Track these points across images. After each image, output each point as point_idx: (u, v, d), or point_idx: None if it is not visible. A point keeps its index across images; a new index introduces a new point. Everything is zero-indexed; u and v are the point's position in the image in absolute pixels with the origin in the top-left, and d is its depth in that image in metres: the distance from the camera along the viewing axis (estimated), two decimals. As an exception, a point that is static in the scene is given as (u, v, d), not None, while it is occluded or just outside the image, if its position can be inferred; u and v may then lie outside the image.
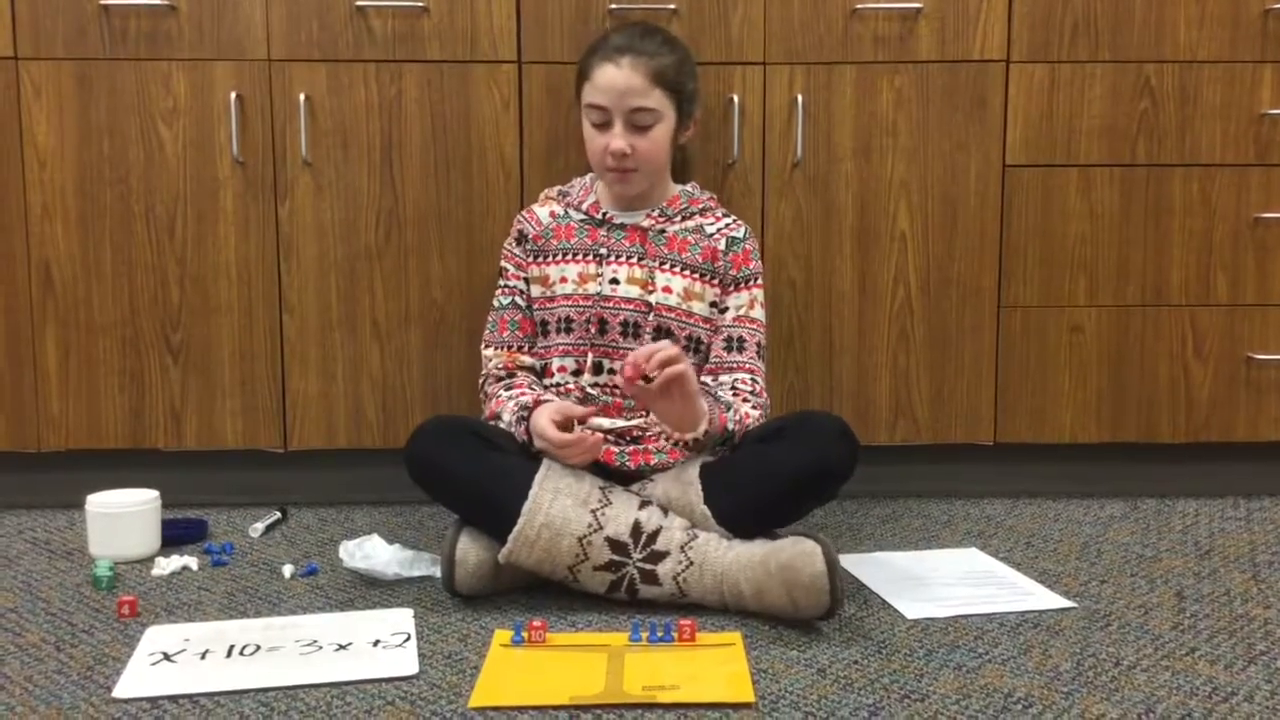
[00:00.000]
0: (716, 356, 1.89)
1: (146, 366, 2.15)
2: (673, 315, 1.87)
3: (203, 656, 1.46)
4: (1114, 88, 2.15)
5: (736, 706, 1.32)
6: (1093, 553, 1.92)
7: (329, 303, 2.15)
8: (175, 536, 1.96)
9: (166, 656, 1.46)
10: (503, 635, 1.52)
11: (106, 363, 2.15)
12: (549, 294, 1.90)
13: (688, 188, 1.96)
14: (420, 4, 2.09)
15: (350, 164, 2.13)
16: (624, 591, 1.64)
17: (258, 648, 1.49)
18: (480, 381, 1.92)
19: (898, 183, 2.16)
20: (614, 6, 2.09)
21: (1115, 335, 2.20)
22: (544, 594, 1.67)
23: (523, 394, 1.81)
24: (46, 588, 1.75)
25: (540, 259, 1.92)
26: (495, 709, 1.32)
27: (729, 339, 1.89)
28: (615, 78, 1.82)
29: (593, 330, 1.86)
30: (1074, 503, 2.22)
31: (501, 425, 1.79)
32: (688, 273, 1.88)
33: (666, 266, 1.88)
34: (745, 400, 1.81)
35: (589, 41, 1.93)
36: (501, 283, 1.95)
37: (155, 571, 1.82)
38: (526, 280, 1.93)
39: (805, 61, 2.12)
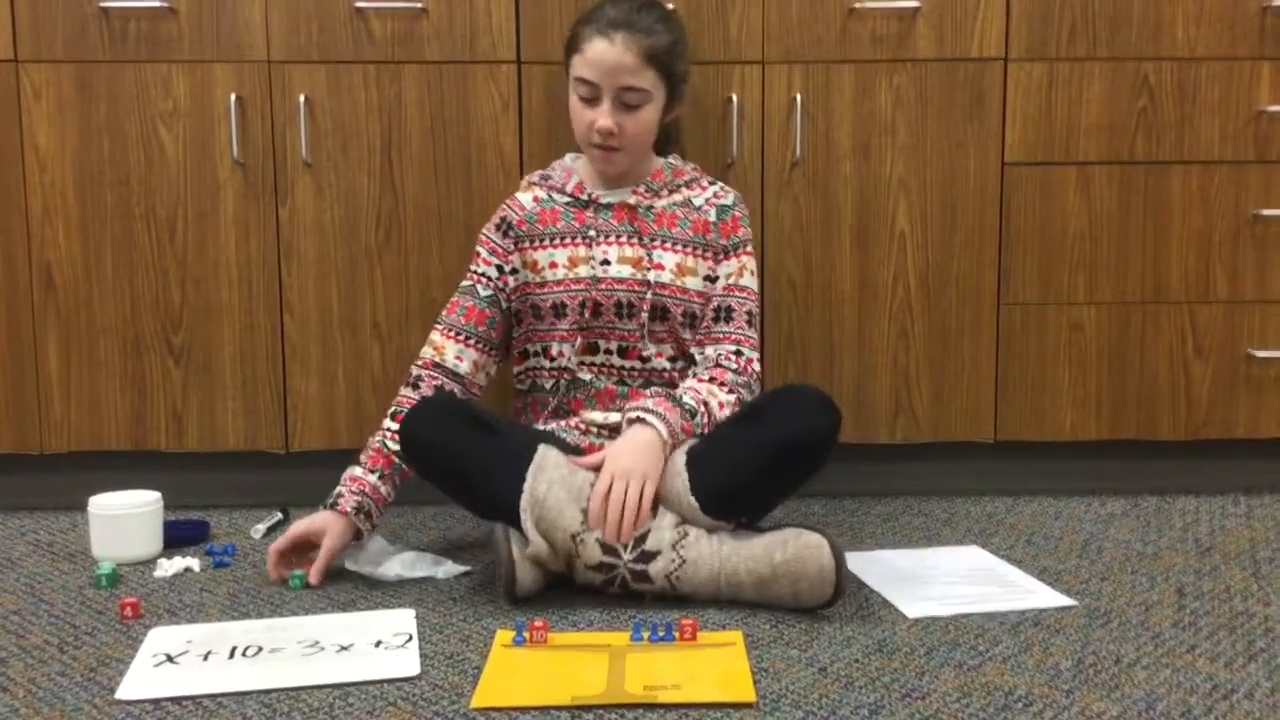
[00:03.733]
0: (705, 326, 1.88)
1: (148, 368, 2.15)
2: (667, 293, 1.86)
3: (205, 658, 1.46)
4: (1112, 85, 2.15)
5: (738, 706, 1.33)
6: (1093, 550, 1.92)
7: (330, 303, 2.15)
8: (177, 538, 1.96)
9: (169, 658, 1.46)
10: (504, 635, 1.53)
11: (108, 364, 2.15)
12: (539, 279, 1.88)
13: (670, 160, 1.94)
14: (419, 5, 2.09)
15: (350, 165, 2.13)
16: (616, 589, 1.65)
17: (260, 649, 1.49)
18: (417, 361, 1.89)
19: (897, 181, 2.16)
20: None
21: (1115, 332, 2.20)
22: (545, 594, 1.67)
23: (370, 466, 1.80)
24: (49, 590, 1.76)
25: (527, 244, 1.89)
26: (497, 709, 1.32)
27: (718, 308, 1.87)
28: (607, 54, 1.78)
29: (587, 314, 1.85)
30: (1074, 500, 2.22)
31: (374, 440, 1.82)
32: (679, 248, 1.87)
33: (658, 242, 1.87)
34: (722, 385, 1.79)
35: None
36: (471, 266, 1.93)
37: (157, 573, 1.83)
38: (499, 269, 1.90)
39: (804, 61, 2.13)
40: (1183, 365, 2.21)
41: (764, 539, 1.62)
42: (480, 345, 1.89)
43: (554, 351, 1.88)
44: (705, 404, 1.75)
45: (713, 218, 1.89)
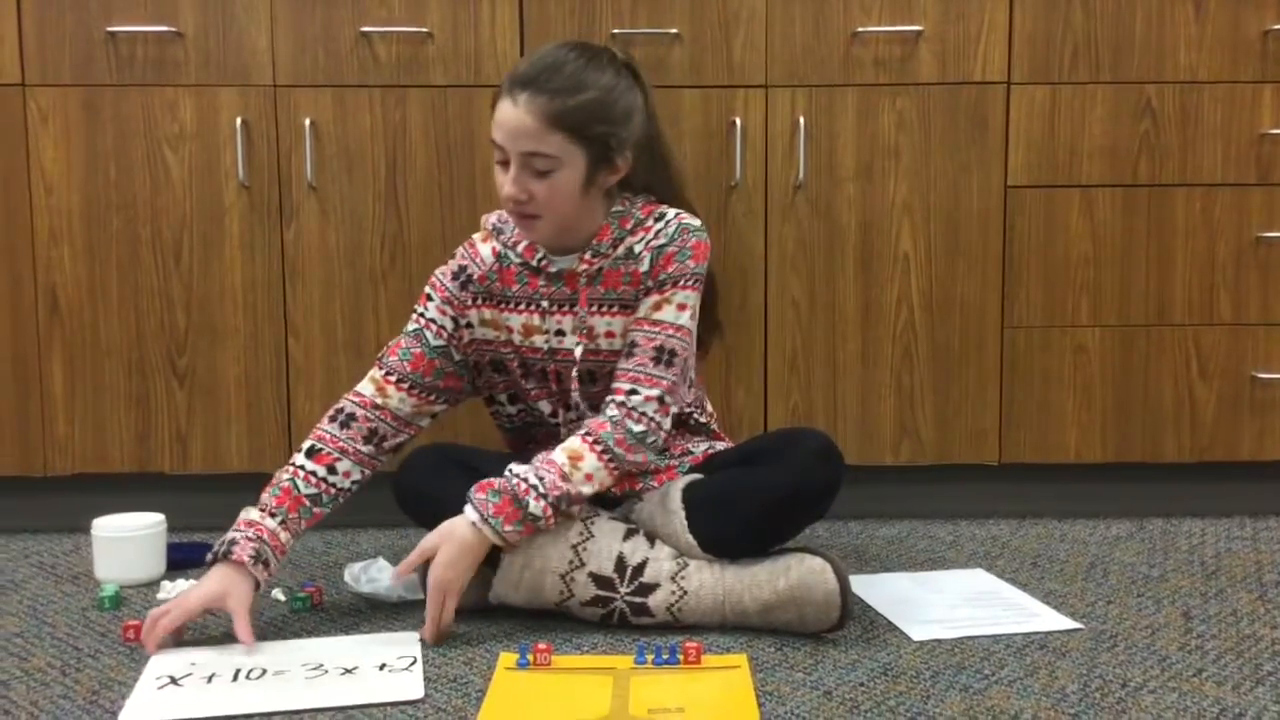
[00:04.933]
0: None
1: (152, 390, 2.16)
2: (602, 358, 1.73)
3: (209, 680, 1.46)
4: (1115, 108, 2.16)
5: (742, 729, 1.32)
6: (1099, 573, 1.91)
7: (334, 326, 2.16)
8: (181, 560, 1.96)
9: (173, 680, 1.46)
10: (508, 658, 1.52)
11: (112, 387, 2.15)
12: (504, 338, 1.77)
13: (617, 207, 1.74)
14: (424, 29, 2.10)
15: (355, 188, 2.14)
16: (615, 622, 1.64)
17: (264, 671, 1.49)
18: (350, 396, 1.77)
19: (900, 204, 2.16)
20: (616, 31, 2.11)
21: (1119, 355, 2.20)
22: (548, 617, 1.67)
23: (272, 507, 1.66)
24: (52, 612, 1.76)
25: (488, 301, 1.76)
26: (501, 733, 1.32)
27: (627, 344, 1.71)
28: (509, 117, 1.61)
29: (552, 384, 1.77)
30: (1080, 523, 2.21)
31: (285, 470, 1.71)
32: (618, 309, 1.72)
33: (603, 309, 1.72)
34: (595, 444, 1.63)
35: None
36: (418, 308, 1.79)
37: (161, 595, 1.82)
38: (455, 321, 1.77)
39: (807, 84, 2.13)
40: (1187, 388, 2.21)
41: (767, 565, 1.61)
42: (421, 394, 1.76)
43: (528, 399, 1.81)
44: (556, 500, 1.61)
45: (645, 266, 1.70)
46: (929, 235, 2.17)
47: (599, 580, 1.62)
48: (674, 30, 2.10)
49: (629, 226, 1.72)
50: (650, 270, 1.71)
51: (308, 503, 1.68)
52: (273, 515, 1.65)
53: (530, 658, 1.50)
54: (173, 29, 2.09)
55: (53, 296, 2.14)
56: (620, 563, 1.62)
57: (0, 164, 2.11)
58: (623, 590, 1.62)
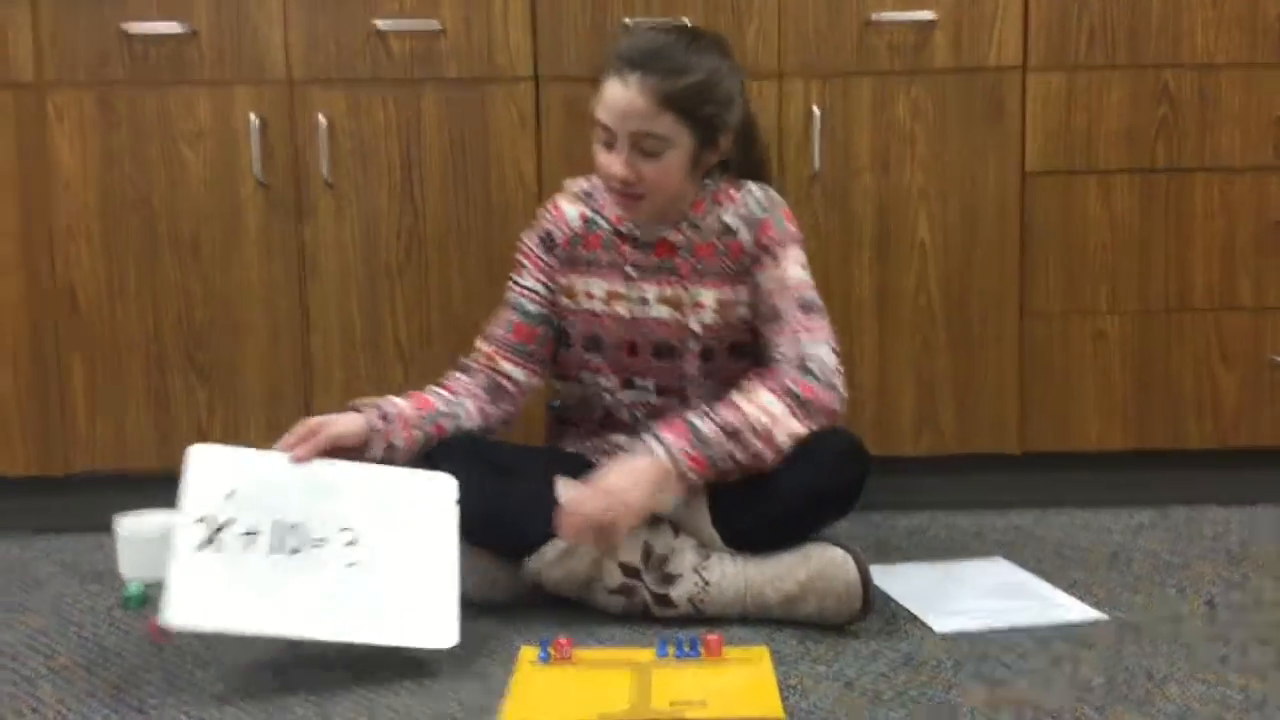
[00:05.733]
0: (763, 337, 1.73)
1: (172, 387, 2.16)
2: (711, 335, 1.75)
3: (246, 545, 1.46)
4: (1132, 93, 2.14)
5: (765, 722, 1.32)
6: (1122, 562, 1.90)
7: (352, 321, 2.16)
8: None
9: (211, 536, 1.46)
10: (529, 652, 1.52)
11: (133, 384, 2.16)
12: (574, 307, 1.79)
13: (708, 182, 1.76)
14: (436, 24, 2.10)
15: (370, 184, 2.14)
16: (638, 613, 1.64)
17: (301, 539, 1.49)
18: (471, 356, 1.82)
19: (916, 192, 2.15)
20: (629, 21, 2.10)
21: (1140, 341, 2.19)
22: (569, 611, 1.67)
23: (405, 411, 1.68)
24: (77, 610, 1.77)
25: (568, 267, 1.78)
26: (524, 727, 1.32)
27: (766, 315, 1.72)
28: (619, 97, 1.62)
29: (624, 354, 1.77)
30: (1102, 511, 2.20)
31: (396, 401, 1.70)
32: (718, 280, 1.74)
33: (699, 280, 1.75)
34: (771, 389, 1.62)
35: (604, 57, 1.92)
36: (514, 278, 1.81)
37: (183, 592, 1.83)
38: (548, 287, 1.79)
39: (821, 74, 2.12)
40: (1209, 373, 2.19)
41: (788, 557, 1.61)
42: (530, 362, 1.79)
43: (587, 380, 1.81)
44: (733, 431, 1.59)
45: (745, 235, 1.73)
46: (946, 223, 2.16)
47: (626, 569, 1.62)
48: (686, 20, 2.09)
49: (720, 201, 1.75)
50: (753, 240, 1.73)
51: (437, 405, 1.71)
52: (406, 399, 1.69)
53: (551, 651, 1.50)
54: (187, 26, 2.09)
55: (72, 294, 2.15)
56: (647, 551, 1.63)
57: (18, 163, 2.12)
58: (647, 579, 1.62)
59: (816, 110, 2.12)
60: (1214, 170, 2.16)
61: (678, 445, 1.58)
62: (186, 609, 1.41)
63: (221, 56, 2.11)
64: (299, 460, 1.55)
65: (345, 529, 1.52)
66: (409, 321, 2.16)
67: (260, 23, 2.10)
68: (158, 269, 2.15)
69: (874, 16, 2.11)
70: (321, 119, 2.11)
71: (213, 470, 1.51)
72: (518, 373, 1.79)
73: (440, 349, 2.16)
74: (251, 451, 1.55)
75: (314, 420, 1.60)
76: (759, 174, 1.81)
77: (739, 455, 1.59)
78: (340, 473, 1.56)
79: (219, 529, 1.47)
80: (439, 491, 1.58)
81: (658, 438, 1.60)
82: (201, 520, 1.47)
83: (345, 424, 1.61)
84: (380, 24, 2.09)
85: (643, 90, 1.61)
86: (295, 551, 1.48)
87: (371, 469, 1.59)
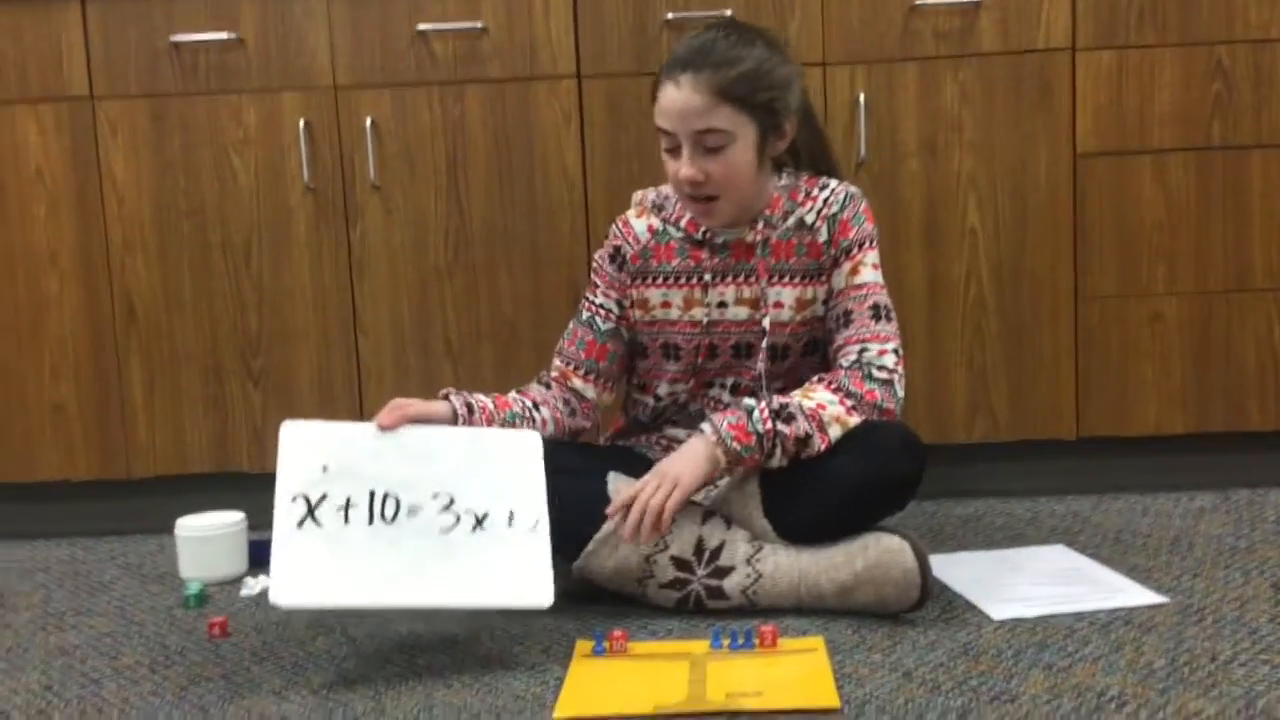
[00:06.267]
0: (829, 337, 1.74)
1: (228, 392, 2.20)
2: (787, 332, 1.74)
3: (346, 517, 1.48)
4: (1185, 70, 2.10)
5: (822, 712, 1.31)
6: (1184, 546, 1.87)
7: (402, 323, 2.18)
8: (262, 557, 1.98)
9: (310, 510, 1.47)
10: (584, 646, 1.53)
11: (190, 390, 2.20)
12: (650, 318, 1.78)
13: (783, 181, 1.76)
14: (479, 24, 2.11)
15: (417, 185, 2.16)
16: (691, 606, 1.63)
17: (398, 507, 1.51)
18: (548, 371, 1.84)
19: (966, 177, 2.13)
20: (670, 16, 2.10)
21: (1198, 322, 2.15)
22: (623, 605, 1.67)
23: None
24: (139, 611, 1.80)
25: (640, 281, 1.78)
26: (580, 719, 1.32)
27: (836, 317, 1.72)
28: (674, 99, 1.63)
29: (701, 359, 1.77)
30: (1162, 496, 2.16)
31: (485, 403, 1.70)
32: (797, 279, 1.73)
33: (776, 279, 1.73)
34: (829, 385, 1.62)
35: (646, 52, 1.92)
36: (587, 295, 1.83)
37: (244, 591, 1.86)
38: (619, 303, 1.80)
39: (866, 60, 2.11)
40: (1270, 353, 2.15)
41: (843, 546, 1.59)
42: (600, 380, 1.81)
43: (661, 391, 1.81)
44: (781, 408, 1.59)
45: (824, 235, 1.72)
46: (996, 208, 2.13)
47: (679, 563, 1.62)
48: (728, 12, 2.09)
49: (798, 198, 1.74)
50: (830, 239, 1.72)
51: (515, 407, 1.72)
52: (487, 396, 1.72)
53: (607, 644, 1.50)
54: (234, 35, 2.12)
55: (129, 304, 2.19)
56: (699, 545, 1.62)
57: (74, 176, 2.16)
58: (700, 573, 1.62)
59: (862, 97, 2.11)
60: (1271, 147, 2.11)
61: (724, 421, 1.59)
62: (293, 588, 1.43)
63: (268, 64, 2.14)
64: (385, 427, 1.57)
65: (438, 494, 1.54)
66: (458, 321, 2.17)
67: (306, 29, 2.13)
68: (212, 277, 2.18)
69: (918, 1, 2.09)
70: (368, 122, 2.13)
71: (305, 447, 1.53)
72: (588, 390, 1.81)
73: (489, 348, 2.17)
74: (342, 425, 1.57)
75: (402, 400, 1.63)
76: (829, 166, 1.81)
77: (786, 435, 1.58)
78: (428, 437, 1.59)
79: (316, 505, 1.49)
80: (525, 448, 1.61)
81: (708, 419, 1.61)
82: (298, 498, 1.49)
83: (433, 407, 1.64)
84: (423, 26, 2.11)
85: (696, 87, 1.61)
86: (393, 520, 1.50)
87: (457, 431, 1.62)
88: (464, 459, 1.57)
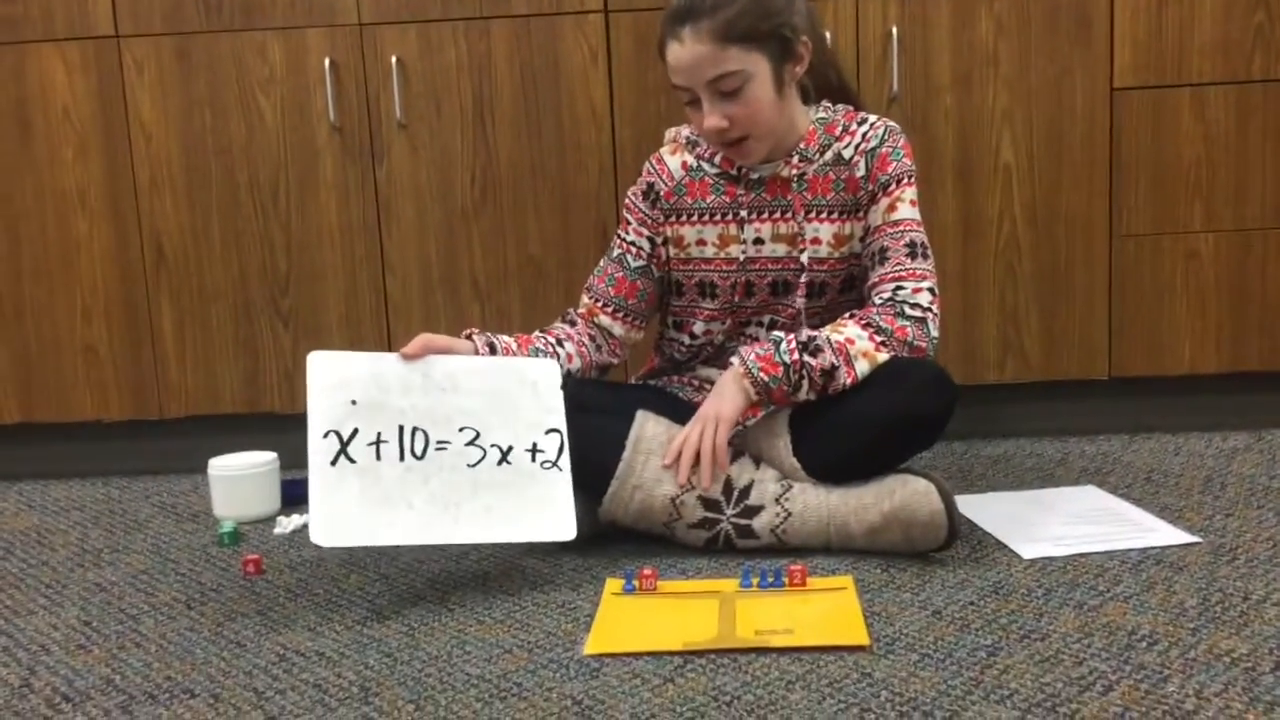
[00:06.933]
0: (865, 273, 1.73)
1: (258, 332, 2.21)
2: (824, 268, 1.73)
3: (377, 450, 1.51)
4: (1225, 1, 2.05)
5: (851, 649, 1.32)
6: (1216, 486, 1.85)
7: (429, 263, 2.18)
8: (295, 496, 2.01)
9: (343, 447, 1.50)
10: (614, 584, 1.54)
11: (220, 330, 2.21)
12: (684, 256, 1.77)
13: (820, 114, 1.74)
14: (505, -42, 2.08)
15: (444, 124, 2.14)
16: (720, 545, 1.64)
17: (426, 442, 1.54)
18: (575, 309, 1.85)
19: (1000, 113, 2.09)
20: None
21: (1234, 260, 2.11)
22: (652, 543, 1.68)
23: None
24: (175, 549, 1.82)
25: (674, 218, 1.77)
26: (611, 655, 1.33)
27: (872, 255, 1.70)
28: (681, 56, 1.62)
29: (738, 296, 1.76)
30: (1194, 436, 2.15)
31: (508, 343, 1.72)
32: (835, 215, 1.72)
33: (813, 215, 1.72)
34: (859, 321, 1.61)
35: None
36: (619, 232, 1.82)
37: (277, 530, 1.88)
38: (652, 240, 1.79)
39: (899, -7, 2.07)
40: (1309, 292, 2.12)
41: (872, 487, 1.59)
42: (628, 318, 1.81)
43: (697, 330, 1.80)
44: (809, 341, 1.59)
45: (862, 170, 1.70)
46: (1031, 145, 2.10)
47: (707, 503, 1.62)
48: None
49: (836, 133, 1.72)
50: (868, 174, 1.71)
51: (538, 343, 1.74)
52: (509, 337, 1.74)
53: (636, 583, 1.51)
54: (258, -28, 2.10)
55: (158, 244, 2.19)
56: (727, 485, 1.62)
57: (101, 116, 2.16)
58: (729, 512, 1.62)
59: (894, 31, 2.07)
60: (1314, 79, 2.07)
61: (751, 354, 1.61)
62: (333, 528, 1.46)
63: (293, 1, 2.11)
64: (408, 357, 1.59)
65: (464, 428, 1.57)
66: (485, 260, 2.17)
67: (329, -35, 2.10)
68: (239, 216, 2.18)
69: (952, -69, 2.04)
70: (394, 60, 2.11)
71: (333, 378, 1.55)
72: (616, 327, 1.81)
73: (516, 287, 2.17)
74: (368, 355, 1.59)
75: (428, 335, 1.63)
76: (850, 97, 1.79)
77: (813, 366, 1.58)
78: (452, 368, 1.60)
79: (349, 440, 1.51)
80: (544, 376, 1.63)
81: (738, 353, 1.62)
82: (330, 434, 1.51)
83: (456, 343, 1.66)
84: (448, -39, 2.08)
85: (698, 38, 1.60)
86: (423, 455, 1.53)
87: (479, 361, 1.63)
88: (487, 389, 1.60)
